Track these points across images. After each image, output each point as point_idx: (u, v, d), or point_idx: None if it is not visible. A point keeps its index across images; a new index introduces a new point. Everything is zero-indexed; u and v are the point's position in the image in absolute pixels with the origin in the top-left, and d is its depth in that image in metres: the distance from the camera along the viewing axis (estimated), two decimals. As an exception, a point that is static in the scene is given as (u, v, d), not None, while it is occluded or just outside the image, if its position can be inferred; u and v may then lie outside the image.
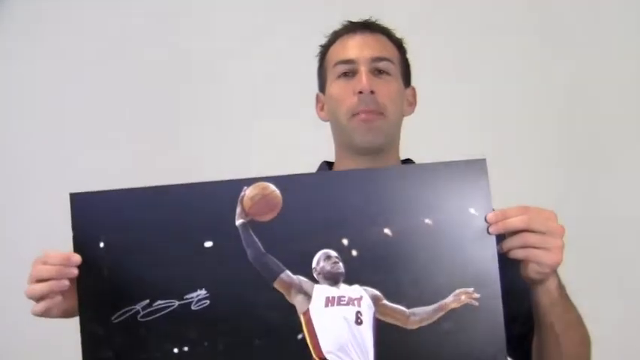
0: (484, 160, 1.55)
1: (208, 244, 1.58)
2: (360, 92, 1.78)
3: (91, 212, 1.46)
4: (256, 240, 1.91)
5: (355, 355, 1.90)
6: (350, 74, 1.85)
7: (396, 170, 1.65)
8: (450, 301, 2.03)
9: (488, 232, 1.54)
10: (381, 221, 1.56)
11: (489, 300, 1.59)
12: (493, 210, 1.64)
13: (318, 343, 1.89)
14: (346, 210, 1.57)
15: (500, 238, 1.66)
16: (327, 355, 1.89)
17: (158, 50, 2.75)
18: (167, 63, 2.74)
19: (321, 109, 2.00)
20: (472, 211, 1.53)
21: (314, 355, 1.88)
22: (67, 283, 1.61)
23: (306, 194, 1.53)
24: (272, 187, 1.63)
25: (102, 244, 1.47)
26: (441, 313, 2.03)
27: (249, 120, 2.85)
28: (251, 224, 1.58)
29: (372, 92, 1.78)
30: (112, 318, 1.52)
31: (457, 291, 1.82)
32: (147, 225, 1.53)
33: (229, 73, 2.76)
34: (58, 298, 1.65)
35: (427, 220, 1.54)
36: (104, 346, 1.51)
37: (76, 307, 1.63)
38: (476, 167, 1.51)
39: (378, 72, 1.86)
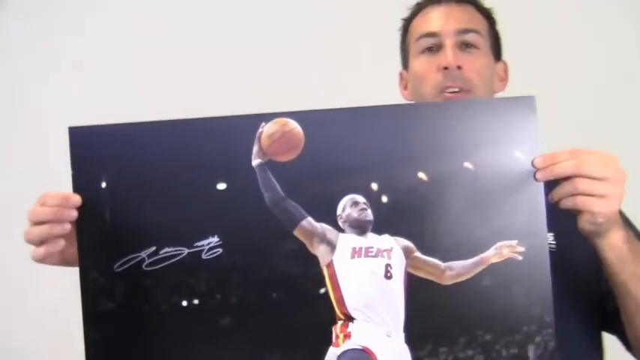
0: (533, 97, 1.51)
1: (221, 186, 1.57)
2: (446, 68, 1.74)
3: (92, 148, 1.43)
4: (275, 182, 1.88)
5: (384, 313, 1.90)
6: (434, 49, 1.79)
7: (433, 107, 1.61)
8: (491, 254, 2.01)
9: (536, 179, 1.51)
10: (416, 164, 1.53)
11: (535, 254, 1.55)
12: (541, 154, 1.62)
13: (342, 299, 1.87)
14: (376, 150, 1.54)
15: (552, 185, 1.62)
16: (352, 312, 1.88)
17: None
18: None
19: (405, 87, 1.96)
20: (518, 154, 1.52)
21: (337, 312, 1.85)
22: (67, 226, 1.58)
23: (331, 132, 1.49)
24: (293, 123, 1.58)
25: (104, 184, 1.44)
26: (480, 268, 2.01)
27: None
28: (269, 165, 1.55)
29: (458, 67, 1.74)
30: (115, 266, 1.51)
31: (499, 244, 1.70)
32: (154, 164, 1.49)
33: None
34: (60, 243, 1.62)
35: (467, 164, 1.51)
36: (105, 297, 1.49)
37: (77, 254, 1.58)
38: (524, 105, 1.47)
39: (465, 45, 1.81)
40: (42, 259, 1.65)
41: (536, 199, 1.48)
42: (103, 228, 1.48)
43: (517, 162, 1.48)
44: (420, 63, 1.85)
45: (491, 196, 1.50)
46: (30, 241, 1.55)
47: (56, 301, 2.69)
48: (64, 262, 1.68)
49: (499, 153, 1.47)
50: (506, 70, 1.90)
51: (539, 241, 1.51)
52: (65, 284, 1.72)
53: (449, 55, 1.76)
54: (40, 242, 1.55)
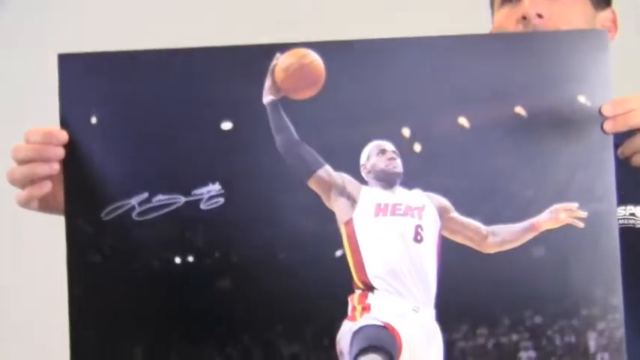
0: (605, 31, 1.42)
1: (226, 125, 1.53)
2: (524, 18, 1.70)
3: (83, 79, 1.41)
4: (289, 123, 1.82)
5: (411, 282, 1.83)
6: None
7: (480, 39, 1.51)
8: (545, 219, 1.93)
9: (603, 130, 1.41)
10: (456, 107, 1.50)
11: (600, 221, 1.47)
12: (611, 100, 1.54)
13: (362, 264, 1.81)
14: (410, 90, 1.51)
15: (621, 139, 1.50)
16: (373, 281, 1.82)
17: None
18: None
19: None
20: (582, 99, 1.44)
21: (356, 279, 1.78)
22: (55, 166, 1.52)
23: (356, 66, 1.42)
24: (313, 55, 1.51)
25: (94, 120, 1.41)
26: (530, 236, 1.94)
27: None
28: (283, 103, 1.50)
29: (539, 16, 1.69)
30: (102, 214, 1.48)
31: (555, 207, 1.60)
32: (151, 98, 1.47)
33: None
34: (45, 186, 1.56)
35: (518, 109, 1.44)
36: (91, 248, 1.47)
37: (62, 199, 1.55)
38: (593, 39, 1.38)
39: None
40: (25, 204, 1.59)
41: (603, 154, 1.40)
42: (91, 169, 1.44)
43: (581, 108, 1.40)
44: (500, 15, 1.81)
45: (546, 149, 1.43)
46: (13, 182, 1.52)
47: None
48: (49, 207, 1.61)
49: (558, 97, 1.39)
50: (614, 20, 1.83)
51: (605, 205, 1.44)
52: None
53: (526, 3, 1.71)
54: (24, 184, 1.52)
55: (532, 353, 1.69)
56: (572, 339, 1.55)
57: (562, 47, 1.40)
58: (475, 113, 1.51)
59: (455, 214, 1.84)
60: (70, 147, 1.44)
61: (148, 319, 1.52)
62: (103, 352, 1.50)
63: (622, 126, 1.43)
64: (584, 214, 1.54)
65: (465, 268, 1.61)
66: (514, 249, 1.57)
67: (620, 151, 1.46)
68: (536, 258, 1.56)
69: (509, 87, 1.47)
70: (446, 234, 1.80)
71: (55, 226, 1.59)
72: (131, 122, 1.49)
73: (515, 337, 1.70)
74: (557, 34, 1.48)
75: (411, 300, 1.81)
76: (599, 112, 1.42)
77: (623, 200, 1.56)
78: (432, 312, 1.80)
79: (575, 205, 1.56)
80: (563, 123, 1.41)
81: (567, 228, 1.48)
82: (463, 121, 1.51)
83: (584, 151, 1.41)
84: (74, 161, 1.44)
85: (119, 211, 1.47)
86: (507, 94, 1.47)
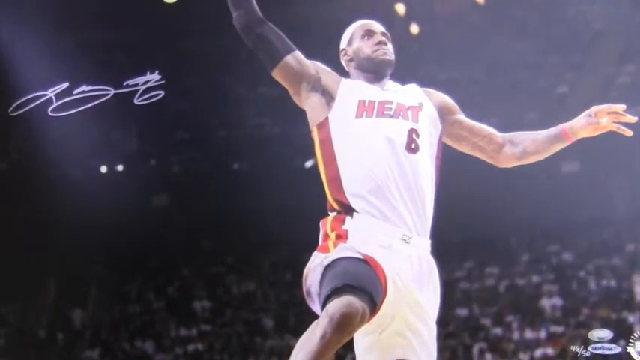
0: None
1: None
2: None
3: None
4: None
5: (401, 204, 1.82)
6: None
7: None
8: (580, 125, 1.85)
9: None
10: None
11: None
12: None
13: (338, 178, 1.82)
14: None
15: None
16: (351, 201, 1.83)
17: None
18: None
19: None
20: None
21: (329, 197, 1.81)
22: None
23: None
24: None
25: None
26: (560, 146, 1.89)
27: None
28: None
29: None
30: (9, 109, 1.51)
31: (594, 108, 1.74)
32: None
33: None
34: None
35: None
36: None
37: None
38: None
39: None
40: None
41: None
42: None
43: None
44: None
45: (580, 31, 1.45)
46: None
47: None
48: None
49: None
50: None
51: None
52: None
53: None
54: None
55: (557, 300, 1.72)
56: (612, 283, 1.59)
57: None
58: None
59: (461, 116, 1.85)
60: None
61: (64, 244, 1.54)
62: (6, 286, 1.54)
63: None
64: (633, 118, 1.57)
65: (473, 187, 1.63)
66: (538, 163, 1.61)
67: None
68: (567, 175, 1.58)
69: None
70: (449, 142, 1.82)
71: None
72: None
73: (535, 278, 1.73)
74: None
75: (401, 226, 1.79)
76: None
77: None
78: (426, 243, 1.77)
79: (622, 106, 1.59)
80: None
81: (609, 136, 1.52)
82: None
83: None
84: None
85: (31, 105, 1.49)
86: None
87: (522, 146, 1.82)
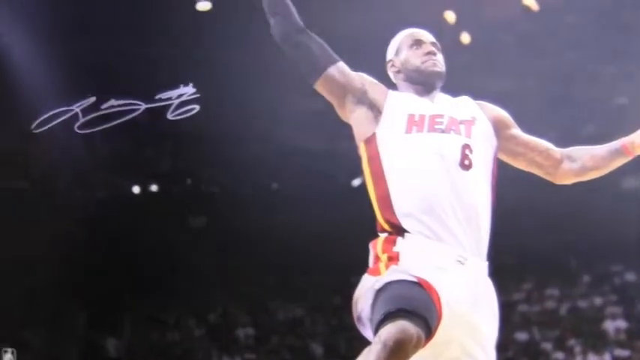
0: None
1: (204, 5, 1.54)
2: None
3: None
4: (289, 1, 1.87)
5: (455, 223, 1.83)
6: None
7: None
8: None
9: None
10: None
11: None
12: None
13: (388, 197, 1.83)
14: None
15: None
16: (402, 221, 1.83)
17: None
18: None
19: None
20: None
21: (379, 218, 1.81)
22: None
23: None
24: None
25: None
26: (620, 161, 1.90)
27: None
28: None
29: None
30: (31, 125, 1.50)
31: None
32: None
33: None
34: None
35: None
36: (14, 171, 1.58)
37: None
38: None
39: None
40: None
41: None
42: (11, 63, 1.45)
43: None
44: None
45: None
46: None
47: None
48: None
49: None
50: None
51: None
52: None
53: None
54: None
55: (621, 323, 1.72)
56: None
57: None
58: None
59: (517, 131, 1.84)
60: None
61: (93, 267, 1.54)
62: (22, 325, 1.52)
63: None
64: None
65: (530, 205, 1.63)
66: (597, 179, 1.61)
67: None
68: (628, 191, 1.58)
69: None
70: (504, 157, 1.81)
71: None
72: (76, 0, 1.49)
73: (598, 300, 1.73)
74: None
75: (455, 247, 1.78)
76: None
77: None
78: (483, 264, 1.76)
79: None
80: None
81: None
82: (529, 1, 1.51)
83: None
84: None
85: (56, 121, 1.49)
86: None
87: (581, 162, 1.82)
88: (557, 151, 1.86)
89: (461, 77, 1.69)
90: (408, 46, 1.81)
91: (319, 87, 1.75)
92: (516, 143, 1.85)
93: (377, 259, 1.80)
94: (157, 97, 1.51)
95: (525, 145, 1.85)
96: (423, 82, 1.83)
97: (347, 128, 1.80)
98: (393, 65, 1.83)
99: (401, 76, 1.83)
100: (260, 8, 1.71)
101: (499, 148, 1.85)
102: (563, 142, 1.86)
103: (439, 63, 1.81)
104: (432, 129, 1.80)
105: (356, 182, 1.84)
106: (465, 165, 1.79)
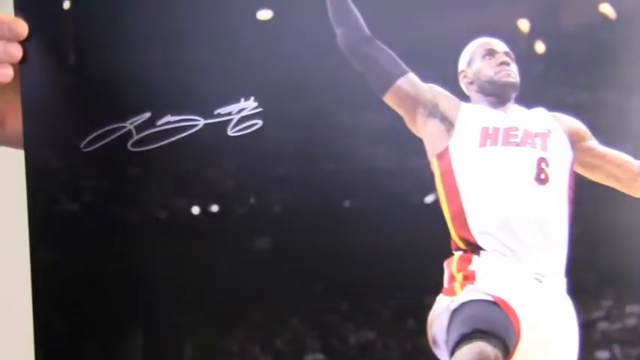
0: None
1: (265, 14, 1.55)
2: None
3: None
4: (356, 12, 1.88)
5: (532, 240, 1.81)
6: None
7: None
8: None
9: None
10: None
11: None
12: None
13: (462, 214, 1.81)
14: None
15: None
16: (478, 238, 1.81)
17: None
18: None
19: None
20: None
21: (454, 235, 1.77)
22: (7, 71, 1.46)
23: None
24: None
25: (67, 4, 1.42)
26: None
27: None
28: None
29: None
30: (82, 143, 1.51)
31: None
32: None
33: None
34: None
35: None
36: (64, 193, 1.43)
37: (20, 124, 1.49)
38: None
39: None
40: None
41: None
42: (63, 78, 1.46)
43: None
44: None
45: None
46: None
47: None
48: (4, 140, 1.56)
49: None
50: None
51: None
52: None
53: None
54: None
55: None
56: None
57: None
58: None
59: (593, 143, 1.83)
60: (31, 44, 1.43)
61: (148, 297, 1.54)
62: (83, 351, 1.52)
63: None
64: None
65: (609, 219, 1.63)
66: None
67: None
68: None
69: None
70: (581, 170, 1.79)
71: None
72: (124, 6, 1.50)
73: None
74: None
75: (533, 265, 1.76)
76: None
77: None
78: (561, 281, 1.75)
79: None
80: None
81: None
82: (606, 8, 1.52)
83: None
84: (37, 65, 1.45)
85: (107, 139, 1.49)
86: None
87: None
88: (635, 163, 1.84)
89: (535, 88, 1.69)
90: (481, 57, 1.80)
91: (389, 99, 1.74)
92: (593, 155, 1.83)
93: (452, 278, 1.79)
94: (216, 112, 1.52)
95: (602, 158, 1.83)
96: (496, 94, 1.81)
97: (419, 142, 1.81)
98: (465, 76, 1.81)
99: (474, 87, 1.81)
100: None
101: (576, 161, 1.85)
102: (640, 155, 1.86)
103: (513, 73, 1.80)
104: (506, 142, 1.79)
105: (429, 199, 1.80)
106: (541, 179, 1.78)
